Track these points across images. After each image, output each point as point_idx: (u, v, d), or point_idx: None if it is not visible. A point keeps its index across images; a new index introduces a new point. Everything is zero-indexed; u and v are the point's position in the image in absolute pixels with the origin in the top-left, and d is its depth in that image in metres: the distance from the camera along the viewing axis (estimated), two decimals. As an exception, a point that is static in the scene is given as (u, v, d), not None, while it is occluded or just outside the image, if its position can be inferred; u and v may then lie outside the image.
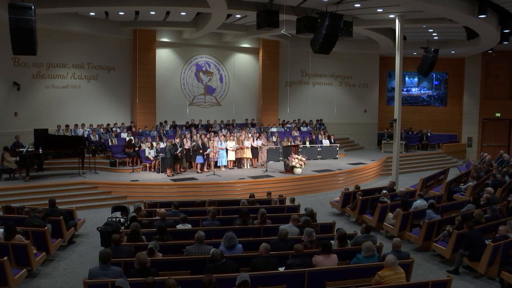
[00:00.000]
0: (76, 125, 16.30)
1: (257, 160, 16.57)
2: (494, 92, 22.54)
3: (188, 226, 8.00)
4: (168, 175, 14.31)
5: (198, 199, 10.57)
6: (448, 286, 5.91)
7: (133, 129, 17.28)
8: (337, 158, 18.42)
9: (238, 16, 15.96)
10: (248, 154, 16.24)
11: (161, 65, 18.91)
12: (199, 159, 14.95)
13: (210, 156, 15.25)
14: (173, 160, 14.54)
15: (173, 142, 14.81)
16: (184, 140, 15.24)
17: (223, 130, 18.16)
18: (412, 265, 6.59)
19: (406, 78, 23.68)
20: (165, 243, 7.04)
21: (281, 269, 6.11)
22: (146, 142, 15.61)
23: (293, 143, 17.54)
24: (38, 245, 7.88)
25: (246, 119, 20.43)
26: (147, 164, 15.13)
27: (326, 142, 19.02)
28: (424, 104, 24.03)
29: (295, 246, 6.25)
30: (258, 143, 16.48)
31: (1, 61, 14.84)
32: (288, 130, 20.12)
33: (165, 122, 18.70)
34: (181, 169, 15.08)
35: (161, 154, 14.93)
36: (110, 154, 15.62)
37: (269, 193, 11.01)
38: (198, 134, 16.22)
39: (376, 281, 5.73)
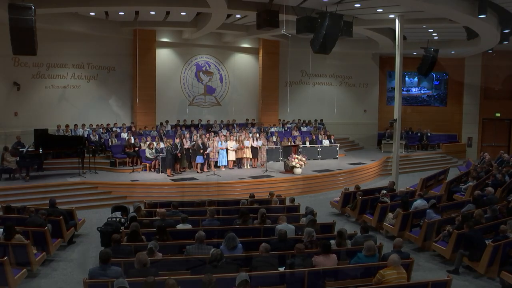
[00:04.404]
0: (76, 125, 16.31)
1: (257, 160, 16.57)
2: (494, 92, 22.54)
3: (188, 226, 8.00)
4: (168, 175, 14.31)
5: (198, 199, 10.58)
6: (448, 286, 5.91)
7: (133, 129, 17.28)
8: (337, 158, 18.42)
9: (238, 16, 15.96)
10: (248, 154, 16.24)
11: (161, 65, 18.90)
12: (199, 159, 14.95)
13: (210, 156, 15.25)
14: (173, 160, 14.55)
15: (172, 142, 14.83)
16: (184, 140, 15.24)
17: (223, 130, 18.17)
18: (412, 265, 6.59)
19: (406, 78, 23.68)
20: (165, 243, 7.04)
21: (281, 269, 6.12)
22: (146, 142, 15.62)
23: (293, 143, 17.55)
24: (38, 245, 7.89)
25: (247, 119, 20.42)
26: (147, 164, 15.12)
27: (326, 142, 19.02)
28: (424, 104, 24.03)
29: (296, 245, 6.26)
30: (258, 143, 16.48)
31: (1, 61, 14.84)
32: (288, 130, 20.12)
33: (166, 122, 18.69)
34: (181, 169, 15.08)
35: (161, 154, 14.95)
36: (110, 154, 15.61)
37: (271, 194, 10.98)
38: (198, 134, 16.22)
39: (377, 279, 5.73)
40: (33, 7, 9.55)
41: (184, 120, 19.15)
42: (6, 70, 15.15)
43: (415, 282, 6.23)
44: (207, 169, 15.33)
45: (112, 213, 9.47)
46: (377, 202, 10.54)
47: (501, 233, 7.69)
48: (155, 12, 15.87)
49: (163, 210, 8.44)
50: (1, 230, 7.42)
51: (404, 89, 23.26)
